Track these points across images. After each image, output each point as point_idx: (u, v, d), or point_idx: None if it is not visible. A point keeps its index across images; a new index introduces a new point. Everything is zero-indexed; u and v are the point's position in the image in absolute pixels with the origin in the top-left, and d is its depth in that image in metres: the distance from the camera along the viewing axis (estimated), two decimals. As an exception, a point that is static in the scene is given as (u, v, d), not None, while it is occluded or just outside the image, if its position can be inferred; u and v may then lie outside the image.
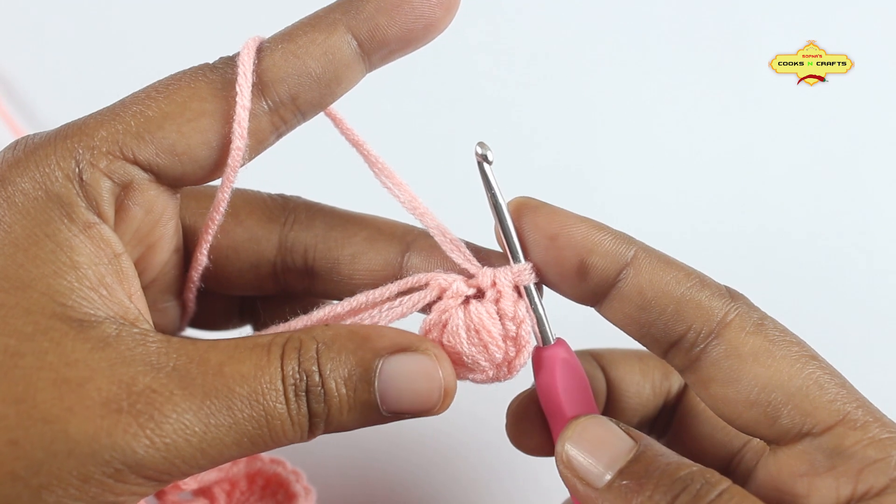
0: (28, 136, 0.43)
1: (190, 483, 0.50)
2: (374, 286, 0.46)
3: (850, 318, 0.79)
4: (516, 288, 0.46)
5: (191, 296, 0.50)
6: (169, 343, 0.40)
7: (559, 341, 0.47)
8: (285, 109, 0.44)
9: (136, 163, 0.42)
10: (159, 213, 0.45)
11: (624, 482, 0.41)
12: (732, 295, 0.44)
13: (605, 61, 0.90)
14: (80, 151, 0.41)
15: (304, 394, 0.41)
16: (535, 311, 0.46)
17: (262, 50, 0.44)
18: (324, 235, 0.49)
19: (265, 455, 0.54)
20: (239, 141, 0.43)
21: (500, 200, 0.45)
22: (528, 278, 0.45)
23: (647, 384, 0.52)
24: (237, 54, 0.44)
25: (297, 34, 0.44)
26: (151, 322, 0.43)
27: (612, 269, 0.44)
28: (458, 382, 0.45)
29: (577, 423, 0.44)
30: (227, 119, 0.43)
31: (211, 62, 0.45)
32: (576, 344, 0.49)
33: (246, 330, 0.56)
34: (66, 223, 0.40)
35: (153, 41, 0.87)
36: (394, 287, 0.45)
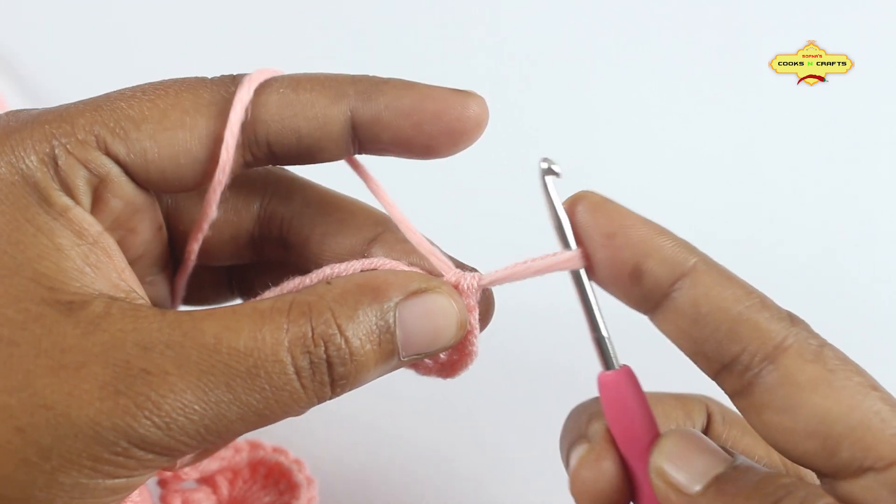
0: (2, 117, 0.42)
1: (191, 473, 0.50)
2: None
3: (851, 319, 0.79)
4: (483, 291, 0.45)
5: (181, 285, 0.50)
6: (163, 318, 0.39)
7: (626, 368, 0.45)
8: (257, 148, 0.44)
9: (109, 156, 0.41)
10: (139, 204, 0.44)
11: (724, 486, 0.40)
12: (793, 320, 0.42)
13: (604, 61, 0.90)
14: (57, 137, 0.41)
15: (322, 360, 0.40)
16: (598, 334, 0.44)
17: (265, 84, 0.43)
18: (300, 211, 0.49)
19: (267, 444, 0.54)
20: (225, 156, 0.42)
21: (560, 214, 0.43)
22: (577, 264, 0.43)
23: (671, 425, 0.50)
24: (238, 76, 0.43)
25: (303, 86, 0.43)
26: (145, 294, 0.43)
27: (668, 277, 0.42)
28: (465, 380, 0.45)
29: (672, 434, 0.43)
30: (202, 140, 0.42)
31: (209, 77, 0.44)
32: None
33: (237, 302, 0.55)
34: (45, 207, 0.40)
35: (150, 39, 0.88)
36: (357, 265, 0.45)
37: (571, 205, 0.43)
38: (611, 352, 0.44)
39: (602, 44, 0.91)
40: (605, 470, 0.44)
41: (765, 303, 0.41)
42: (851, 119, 0.86)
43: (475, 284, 0.45)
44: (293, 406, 0.40)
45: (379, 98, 0.43)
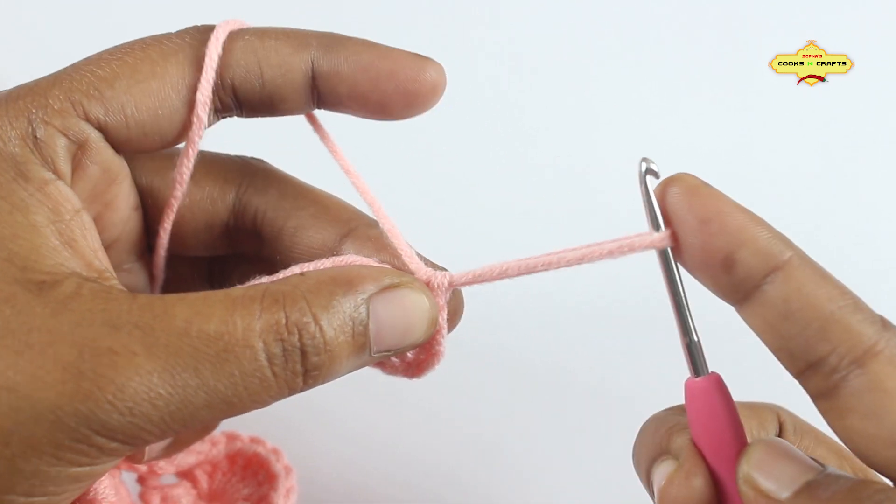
0: None
1: (167, 468, 0.50)
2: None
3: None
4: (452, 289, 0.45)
5: (159, 262, 0.50)
6: (133, 300, 0.39)
7: (715, 375, 0.43)
8: (223, 93, 0.44)
9: (88, 120, 0.42)
10: (116, 172, 0.45)
11: (817, 492, 0.39)
12: (885, 325, 0.40)
13: (604, 61, 0.90)
14: (34, 110, 0.41)
15: (296, 348, 0.39)
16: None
17: (233, 33, 0.44)
18: (274, 203, 0.49)
19: (245, 434, 0.55)
20: (201, 109, 0.43)
21: (656, 208, 0.42)
22: (665, 242, 0.42)
23: (746, 434, 0.50)
24: (200, 26, 0.44)
25: (268, 35, 0.44)
26: (115, 277, 0.42)
27: (761, 269, 0.40)
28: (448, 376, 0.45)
29: (760, 442, 0.42)
30: (176, 87, 0.43)
31: (174, 31, 0.45)
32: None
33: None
34: (22, 183, 0.40)
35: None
36: (328, 262, 0.45)
37: (665, 186, 0.42)
38: (701, 357, 0.43)
39: (602, 44, 0.90)
40: (696, 487, 0.43)
41: (858, 305, 0.40)
42: (851, 119, 0.86)
43: (445, 283, 0.45)
44: (262, 395, 0.39)
45: (339, 51, 0.44)
